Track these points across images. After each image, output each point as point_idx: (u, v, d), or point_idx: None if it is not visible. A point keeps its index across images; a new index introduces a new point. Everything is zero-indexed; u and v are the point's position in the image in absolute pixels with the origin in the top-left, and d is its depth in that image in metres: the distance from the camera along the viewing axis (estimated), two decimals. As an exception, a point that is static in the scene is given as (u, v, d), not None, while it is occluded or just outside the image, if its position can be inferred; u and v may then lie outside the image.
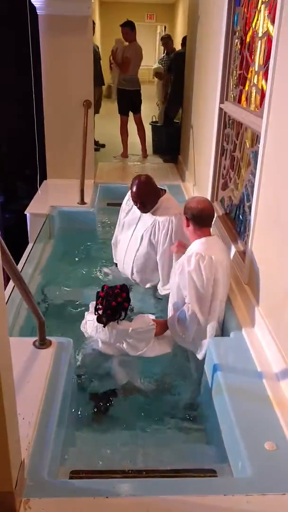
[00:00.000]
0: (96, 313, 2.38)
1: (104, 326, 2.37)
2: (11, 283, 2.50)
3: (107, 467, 1.85)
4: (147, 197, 2.88)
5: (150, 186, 2.90)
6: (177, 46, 7.28)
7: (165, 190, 3.03)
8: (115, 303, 2.33)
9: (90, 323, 2.48)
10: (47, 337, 2.25)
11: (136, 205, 2.93)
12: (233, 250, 2.94)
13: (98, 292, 2.42)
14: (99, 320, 2.37)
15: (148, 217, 2.97)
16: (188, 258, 2.41)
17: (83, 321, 2.56)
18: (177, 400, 2.38)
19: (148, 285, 3.09)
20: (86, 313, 2.58)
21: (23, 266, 3.35)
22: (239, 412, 1.87)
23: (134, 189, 2.87)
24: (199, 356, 2.43)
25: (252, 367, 2.12)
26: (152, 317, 2.57)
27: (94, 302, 2.43)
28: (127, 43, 6.29)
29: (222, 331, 2.52)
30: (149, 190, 2.89)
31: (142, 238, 2.98)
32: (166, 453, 1.96)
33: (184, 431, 2.19)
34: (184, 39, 6.07)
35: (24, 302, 2.38)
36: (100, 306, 2.36)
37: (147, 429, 2.15)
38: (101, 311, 2.36)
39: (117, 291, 2.37)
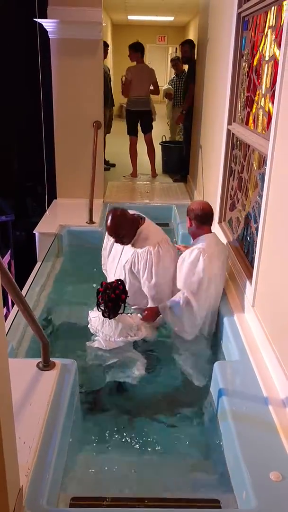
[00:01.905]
0: (99, 308, 2.54)
1: (110, 319, 2.56)
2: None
3: (109, 494, 1.81)
4: (122, 230, 2.80)
5: (123, 219, 2.80)
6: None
7: (144, 218, 2.94)
8: (113, 295, 2.50)
9: (95, 319, 2.66)
10: (51, 359, 2.24)
11: (114, 239, 2.88)
12: (241, 271, 2.92)
13: (98, 289, 2.57)
14: (104, 315, 2.55)
15: (128, 249, 2.92)
16: (190, 251, 2.74)
17: (89, 319, 2.73)
18: (183, 424, 2.34)
19: (135, 306, 3.01)
20: (89, 311, 2.74)
21: (30, 285, 3.36)
22: (244, 440, 1.82)
23: (108, 224, 2.79)
24: (190, 338, 2.74)
25: (258, 392, 2.08)
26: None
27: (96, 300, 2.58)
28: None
29: (217, 327, 2.78)
30: (123, 223, 2.79)
31: (125, 270, 2.94)
32: (170, 481, 1.91)
33: (189, 458, 2.14)
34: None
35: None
36: (101, 301, 2.52)
37: (151, 456, 2.11)
38: (103, 305, 2.52)
39: (115, 284, 2.54)
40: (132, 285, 2.91)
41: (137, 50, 6.21)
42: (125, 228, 2.80)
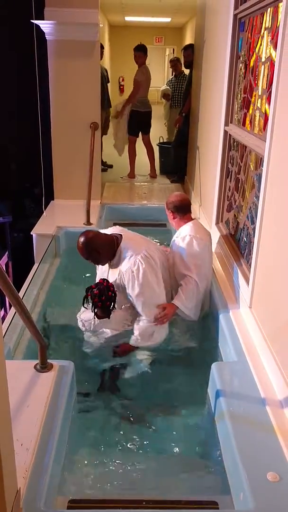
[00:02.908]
0: (97, 310, 2.65)
1: (109, 318, 2.68)
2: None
3: (106, 496, 1.81)
4: (94, 253, 2.70)
5: (96, 241, 2.69)
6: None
7: (121, 236, 2.79)
8: (110, 293, 2.63)
9: (89, 323, 2.78)
10: (48, 360, 2.23)
11: (89, 261, 2.80)
12: (238, 272, 2.92)
13: (88, 291, 2.66)
14: (104, 314, 2.67)
15: (114, 268, 2.82)
16: (182, 238, 2.91)
17: (80, 324, 2.84)
18: (180, 426, 2.34)
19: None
20: (79, 315, 2.86)
21: (27, 286, 3.36)
22: (241, 440, 1.82)
23: (79, 246, 2.69)
24: (196, 318, 2.91)
25: (256, 393, 2.08)
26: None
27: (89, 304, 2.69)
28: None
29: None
30: (95, 246, 2.69)
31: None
32: (167, 482, 1.91)
33: (187, 459, 2.15)
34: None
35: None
36: (100, 303, 2.62)
37: (149, 457, 2.11)
38: (101, 306, 2.63)
39: (105, 284, 2.65)
40: (121, 302, 2.82)
41: (145, 52, 6.30)
42: (98, 250, 2.69)
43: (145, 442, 2.17)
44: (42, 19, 4.47)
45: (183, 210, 3.01)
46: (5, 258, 4.94)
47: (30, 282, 3.44)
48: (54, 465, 1.76)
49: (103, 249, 2.70)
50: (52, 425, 1.89)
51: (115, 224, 3.15)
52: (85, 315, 2.80)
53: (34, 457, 1.71)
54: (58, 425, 1.90)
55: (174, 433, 2.26)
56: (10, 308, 3.18)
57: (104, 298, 2.61)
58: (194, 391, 2.49)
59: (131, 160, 6.59)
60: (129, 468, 2.00)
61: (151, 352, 2.77)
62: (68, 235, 4.33)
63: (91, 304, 2.63)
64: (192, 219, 3.02)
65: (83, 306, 2.71)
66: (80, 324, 2.86)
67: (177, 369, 2.69)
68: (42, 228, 4.35)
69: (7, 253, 5.04)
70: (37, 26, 4.43)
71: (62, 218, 4.70)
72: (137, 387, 2.55)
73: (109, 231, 2.92)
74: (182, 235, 2.93)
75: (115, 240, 2.75)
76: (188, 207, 3.06)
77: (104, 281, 2.66)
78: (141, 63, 6.34)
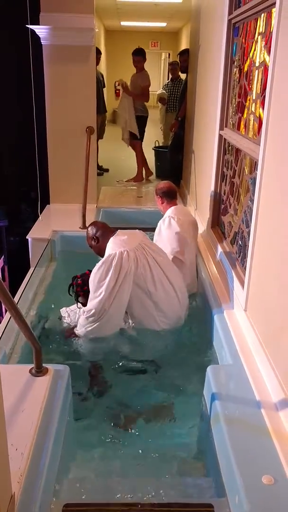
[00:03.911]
0: (80, 298, 2.87)
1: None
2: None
3: (101, 500, 1.81)
4: (94, 241, 2.91)
5: (94, 232, 2.89)
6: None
7: (115, 232, 2.86)
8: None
9: (74, 313, 2.91)
10: (43, 365, 2.23)
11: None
12: (233, 275, 2.93)
13: (73, 280, 2.92)
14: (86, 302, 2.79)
15: None
16: (163, 221, 3.35)
17: (63, 312, 2.97)
18: (176, 429, 2.34)
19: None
20: (63, 309, 3.00)
21: (23, 290, 3.36)
22: (236, 443, 1.82)
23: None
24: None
25: (251, 396, 2.09)
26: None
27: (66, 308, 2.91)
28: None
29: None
30: (93, 235, 2.89)
31: None
32: (163, 485, 1.91)
33: (182, 462, 2.15)
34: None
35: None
36: (81, 292, 2.86)
37: (144, 460, 2.11)
38: (83, 295, 2.85)
39: (89, 274, 2.81)
40: None
41: (144, 56, 6.38)
42: (98, 239, 2.87)
43: (140, 445, 2.17)
44: (38, 24, 4.48)
45: (169, 195, 3.47)
46: (0, 262, 4.93)
47: (25, 286, 3.43)
48: (49, 470, 1.75)
49: (102, 240, 2.85)
50: (47, 429, 1.88)
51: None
52: (73, 306, 2.92)
53: (29, 461, 1.70)
54: (53, 429, 1.90)
55: (169, 436, 2.26)
56: (5, 312, 3.18)
57: (86, 288, 2.79)
58: (189, 394, 2.50)
59: (144, 164, 6.65)
60: (124, 471, 2.00)
61: (147, 355, 2.77)
62: (64, 239, 4.33)
63: (74, 294, 2.88)
64: (177, 205, 3.46)
65: (69, 294, 2.96)
66: (63, 313, 2.95)
67: (172, 372, 2.69)
68: (38, 232, 4.35)
69: (2, 257, 5.03)
70: (33, 31, 4.44)
71: (58, 222, 4.70)
72: (132, 390, 2.55)
73: (130, 234, 2.88)
74: (164, 217, 3.36)
75: (110, 235, 2.82)
76: (174, 194, 3.52)
77: (90, 272, 2.78)
78: (141, 68, 6.39)
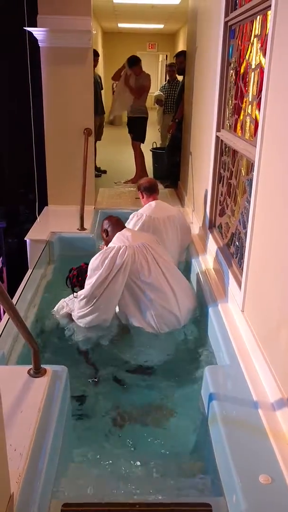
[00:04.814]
0: (76, 289, 3.02)
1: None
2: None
3: (100, 500, 1.82)
4: (104, 233, 3.13)
5: (105, 224, 3.12)
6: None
7: (122, 229, 3.05)
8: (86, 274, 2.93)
9: (72, 301, 3.01)
10: (42, 365, 2.24)
11: None
12: (230, 276, 2.94)
13: (70, 272, 3.12)
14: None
15: None
16: (133, 214, 3.55)
17: (61, 307, 3.07)
18: (174, 429, 2.35)
19: None
20: (63, 300, 3.10)
21: (21, 291, 3.37)
22: (234, 443, 1.84)
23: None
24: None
25: (248, 396, 2.10)
26: None
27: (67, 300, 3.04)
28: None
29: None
30: (105, 227, 3.11)
31: None
32: (160, 485, 1.92)
33: (180, 462, 2.15)
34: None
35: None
36: (77, 283, 3.04)
37: (142, 460, 2.11)
38: (79, 286, 3.00)
39: (84, 267, 3.05)
40: None
41: (139, 62, 6.45)
42: (107, 230, 3.08)
43: (138, 445, 2.18)
44: (35, 26, 4.50)
45: (148, 190, 3.66)
46: (-1, 263, 4.94)
47: (24, 288, 3.44)
48: (48, 470, 1.76)
49: (111, 233, 3.02)
50: (46, 430, 1.89)
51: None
52: (70, 296, 3.07)
53: (28, 462, 1.71)
54: (51, 429, 1.91)
55: (167, 436, 2.27)
56: (4, 314, 3.20)
57: (81, 279, 2.99)
58: (187, 394, 2.51)
59: (143, 165, 6.68)
60: (122, 471, 2.01)
61: (146, 356, 2.79)
62: (62, 241, 4.34)
63: (71, 285, 3.07)
64: (155, 200, 3.61)
65: (66, 285, 3.12)
66: (61, 304, 3.08)
67: (170, 372, 2.70)
68: (36, 234, 4.36)
69: (1, 258, 5.05)
70: (30, 33, 4.46)
71: (56, 223, 4.71)
72: (130, 391, 2.56)
73: (136, 233, 3.12)
74: (137, 212, 3.54)
75: (119, 229, 3.01)
76: (153, 189, 3.68)
77: (85, 264, 3.04)
78: (140, 72, 6.43)
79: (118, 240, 2.92)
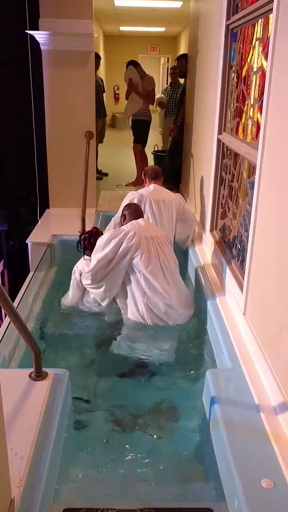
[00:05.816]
0: (87, 251, 3.14)
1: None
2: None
3: (101, 505, 1.81)
4: (122, 217, 3.27)
5: (126, 208, 3.27)
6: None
7: (136, 217, 3.18)
8: (98, 237, 3.08)
9: (83, 263, 3.17)
10: (43, 369, 2.23)
11: None
12: (232, 279, 2.94)
13: (80, 237, 3.23)
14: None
15: None
16: (128, 195, 3.80)
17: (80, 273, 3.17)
18: (175, 433, 2.34)
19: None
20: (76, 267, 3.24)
21: (23, 295, 3.36)
22: (236, 447, 1.83)
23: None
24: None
25: (250, 400, 2.09)
26: None
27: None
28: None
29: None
30: (124, 211, 3.26)
31: None
32: (162, 490, 1.91)
33: (182, 466, 2.14)
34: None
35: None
36: (89, 246, 3.14)
37: (144, 465, 2.11)
38: (90, 248, 3.10)
39: (95, 231, 3.23)
40: None
41: (138, 64, 6.45)
42: (124, 214, 3.22)
43: (139, 450, 2.17)
44: (37, 29, 4.51)
45: (152, 175, 3.92)
46: (0, 266, 4.94)
47: (25, 291, 3.44)
48: (49, 474, 1.75)
49: (127, 219, 3.14)
50: (47, 434, 1.89)
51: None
52: (81, 264, 3.19)
53: (29, 466, 1.71)
54: (53, 434, 1.90)
55: (169, 440, 2.26)
56: (5, 317, 3.20)
57: (92, 240, 3.11)
58: (189, 398, 2.50)
59: (140, 166, 6.69)
60: (124, 476, 2.00)
61: (147, 358, 2.78)
62: (63, 243, 4.34)
63: (83, 249, 3.18)
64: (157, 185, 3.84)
65: (78, 250, 3.23)
66: (77, 268, 3.21)
67: (172, 376, 2.69)
68: (37, 237, 4.36)
69: (2, 261, 5.04)
70: (32, 36, 4.47)
71: (57, 226, 4.71)
72: (131, 394, 2.55)
73: (150, 225, 3.27)
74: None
75: (135, 217, 3.12)
76: (156, 174, 3.93)
77: (95, 229, 3.22)
78: (143, 74, 6.46)
79: (130, 225, 3.04)
